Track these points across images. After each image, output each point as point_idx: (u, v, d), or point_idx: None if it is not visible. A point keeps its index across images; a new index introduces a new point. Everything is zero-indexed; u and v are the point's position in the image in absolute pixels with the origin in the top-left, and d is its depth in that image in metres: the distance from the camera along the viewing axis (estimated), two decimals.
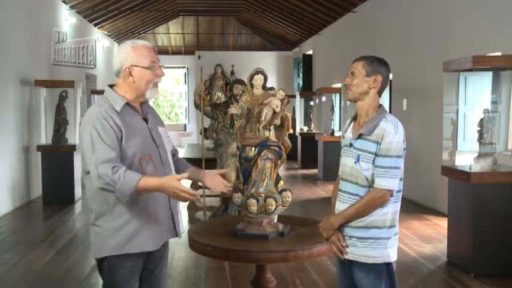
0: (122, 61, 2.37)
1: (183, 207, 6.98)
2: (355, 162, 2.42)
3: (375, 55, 2.57)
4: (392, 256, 2.47)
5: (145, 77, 2.37)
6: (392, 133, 2.37)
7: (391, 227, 2.45)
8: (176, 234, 2.53)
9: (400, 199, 2.49)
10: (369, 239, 2.42)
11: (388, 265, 2.46)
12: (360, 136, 2.43)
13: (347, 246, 2.46)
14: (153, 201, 2.38)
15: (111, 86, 2.46)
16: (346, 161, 2.49)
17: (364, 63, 2.46)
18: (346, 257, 2.47)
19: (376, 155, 2.38)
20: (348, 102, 9.76)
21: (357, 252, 2.45)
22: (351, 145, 2.47)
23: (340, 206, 2.51)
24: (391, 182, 2.38)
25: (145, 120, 2.46)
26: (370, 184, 2.40)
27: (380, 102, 2.52)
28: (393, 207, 2.44)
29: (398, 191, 2.44)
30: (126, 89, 2.40)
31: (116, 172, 2.19)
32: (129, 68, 2.36)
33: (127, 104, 2.38)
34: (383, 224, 2.42)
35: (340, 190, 2.53)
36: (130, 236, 2.35)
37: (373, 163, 2.39)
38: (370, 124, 2.42)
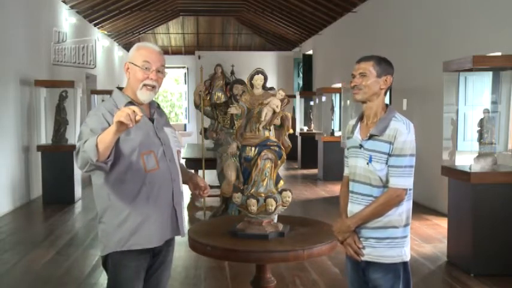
0: (127, 58, 2.48)
1: (183, 207, 6.97)
2: (368, 163, 2.42)
3: (376, 55, 2.56)
4: (408, 254, 2.48)
5: (136, 75, 2.41)
6: (405, 132, 2.37)
7: (406, 225, 2.46)
8: (179, 232, 2.53)
9: (412, 196, 2.50)
10: (386, 239, 2.42)
11: (405, 264, 2.47)
12: (370, 137, 2.43)
13: (364, 247, 2.45)
14: (154, 196, 2.39)
15: (120, 89, 2.53)
16: (357, 163, 2.48)
17: (373, 64, 2.44)
18: (363, 258, 2.46)
19: (389, 155, 2.38)
20: (348, 102, 9.79)
21: (374, 253, 2.44)
22: (361, 146, 2.46)
23: (353, 207, 2.50)
24: (407, 180, 2.39)
25: (152, 120, 2.49)
26: (384, 184, 2.40)
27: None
28: (407, 205, 2.45)
29: (410, 189, 2.44)
30: (128, 87, 2.48)
31: (83, 141, 2.23)
32: (127, 65, 2.45)
33: (130, 102, 2.41)
34: (399, 223, 2.43)
35: (352, 192, 2.51)
36: (132, 231, 2.36)
37: (387, 163, 2.39)
38: (381, 124, 2.41)
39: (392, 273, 2.43)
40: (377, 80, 2.44)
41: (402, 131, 2.37)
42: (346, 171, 2.63)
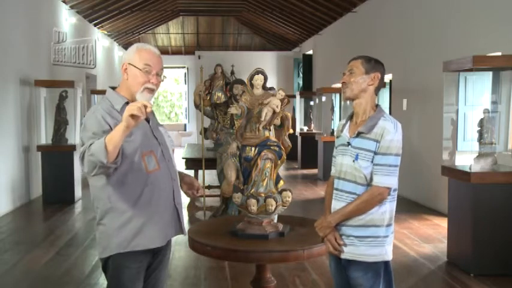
0: (124, 59, 2.45)
1: (183, 207, 6.99)
2: (354, 161, 2.43)
3: (373, 55, 2.59)
4: (390, 254, 2.49)
5: (136, 78, 2.39)
6: (392, 131, 2.40)
7: (388, 225, 2.47)
8: (181, 231, 2.54)
9: (396, 197, 2.51)
10: (368, 238, 2.43)
11: (386, 263, 2.48)
12: (358, 135, 2.45)
13: (345, 245, 2.46)
14: (156, 196, 2.39)
15: (113, 88, 2.50)
16: (343, 160, 2.50)
17: (362, 61, 2.48)
18: (344, 256, 2.47)
19: (375, 153, 2.40)
20: (348, 102, 9.79)
21: (355, 251, 2.45)
22: (348, 144, 2.48)
23: (336, 204, 2.51)
24: (390, 179, 2.40)
25: (147, 120, 2.48)
26: (369, 182, 2.42)
27: (377, 103, 2.54)
28: (390, 206, 2.47)
29: (394, 190, 2.46)
30: (124, 88, 2.45)
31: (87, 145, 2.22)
32: (125, 65, 2.42)
33: (127, 103, 2.39)
34: (381, 222, 2.44)
35: (337, 189, 2.53)
36: (135, 232, 2.35)
37: (372, 161, 2.41)
38: (369, 123, 2.44)
39: (372, 272, 2.44)
40: (364, 77, 2.47)
41: (390, 130, 2.39)
42: (333, 171, 2.64)
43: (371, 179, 2.41)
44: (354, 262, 2.46)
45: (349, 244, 2.46)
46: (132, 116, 2.05)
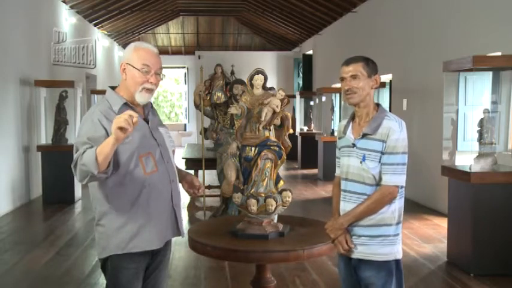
0: (123, 58, 2.43)
1: (183, 207, 7.00)
2: (361, 162, 2.44)
3: (373, 55, 2.58)
4: (401, 252, 2.50)
5: (135, 78, 2.38)
6: (398, 130, 2.41)
7: (398, 223, 2.48)
8: (179, 232, 2.53)
9: (404, 194, 2.52)
10: (379, 237, 2.44)
11: (398, 261, 2.49)
12: (363, 136, 2.45)
13: (355, 246, 2.46)
14: (154, 198, 2.38)
15: (112, 88, 2.48)
16: (350, 162, 2.50)
17: (363, 65, 2.47)
18: (355, 256, 2.48)
19: (382, 153, 2.41)
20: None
21: (367, 250, 2.45)
22: (353, 145, 2.48)
23: (346, 206, 2.51)
24: (399, 178, 2.42)
25: (146, 120, 2.47)
26: (377, 182, 2.43)
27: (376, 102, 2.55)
28: (399, 203, 2.48)
29: (401, 187, 2.46)
30: (123, 88, 2.44)
31: (80, 153, 2.22)
32: (124, 65, 2.41)
33: (126, 104, 2.39)
34: (392, 220, 2.45)
35: (345, 190, 2.53)
36: (133, 234, 2.35)
37: (380, 161, 2.41)
38: (374, 123, 2.44)
39: (385, 271, 2.45)
40: (368, 81, 2.47)
41: (395, 129, 2.40)
42: (337, 172, 2.65)
43: (380, 178, 2.42)
44: (365, 262, 2.47)
45: (360, 244, 2.46)
46: (120, 128, 2.05)
